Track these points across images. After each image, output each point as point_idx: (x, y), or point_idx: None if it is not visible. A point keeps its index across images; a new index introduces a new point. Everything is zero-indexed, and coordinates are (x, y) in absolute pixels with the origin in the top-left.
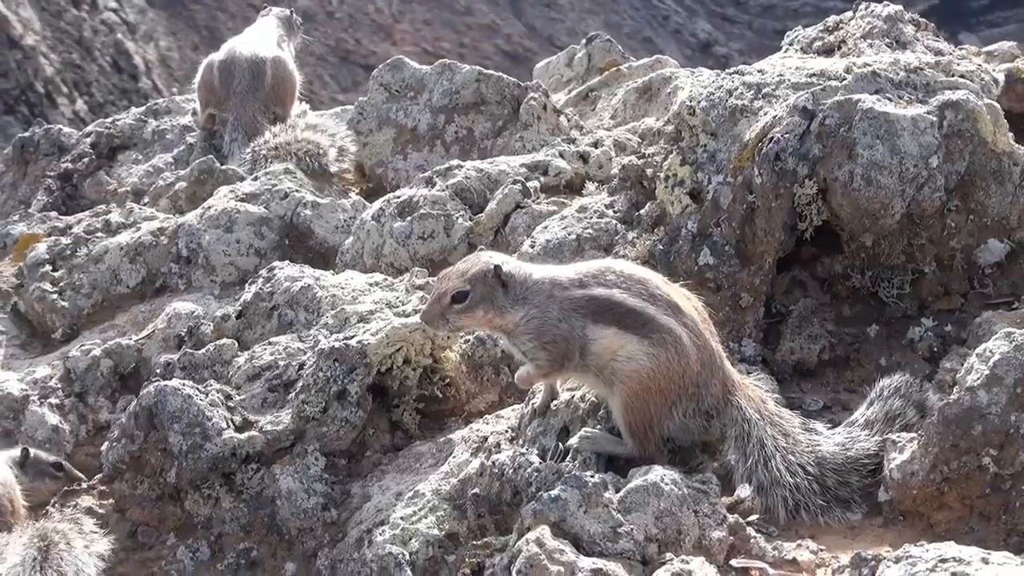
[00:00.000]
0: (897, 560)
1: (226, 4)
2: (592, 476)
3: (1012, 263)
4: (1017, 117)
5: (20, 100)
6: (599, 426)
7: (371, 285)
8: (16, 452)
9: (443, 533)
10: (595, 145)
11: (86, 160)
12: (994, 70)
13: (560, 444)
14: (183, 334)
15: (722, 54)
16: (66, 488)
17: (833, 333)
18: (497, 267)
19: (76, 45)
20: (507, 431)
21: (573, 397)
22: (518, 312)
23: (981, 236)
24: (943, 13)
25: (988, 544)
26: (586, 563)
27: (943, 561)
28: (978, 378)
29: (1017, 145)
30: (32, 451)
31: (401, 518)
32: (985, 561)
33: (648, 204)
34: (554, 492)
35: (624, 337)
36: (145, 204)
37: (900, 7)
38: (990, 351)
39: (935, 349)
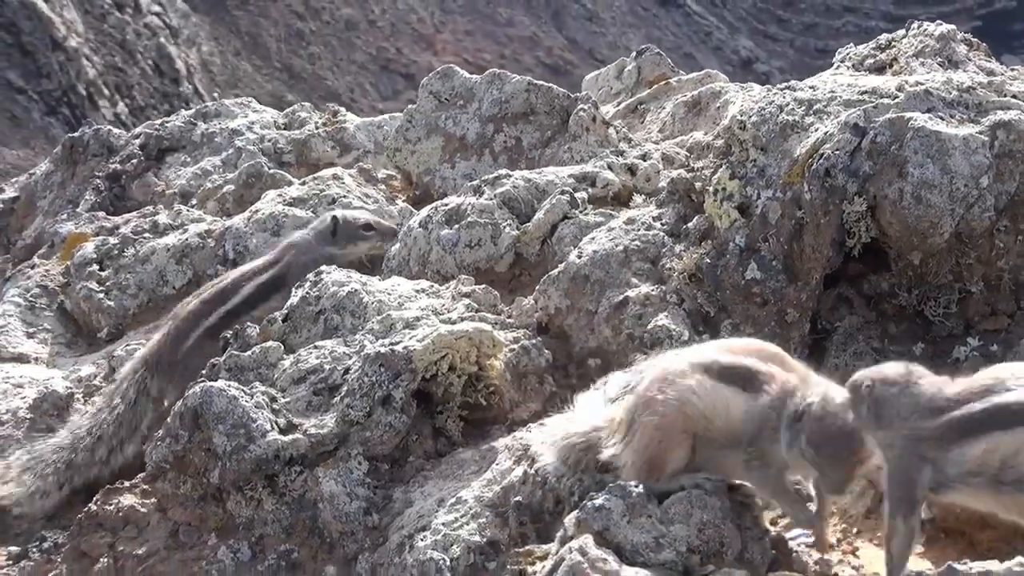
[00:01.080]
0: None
1: (268, 11)
2: (636, 486)
3: None
4: None
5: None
6: None
7: (417, 292)
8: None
9: (484, 540)
10: (643, 158)
11: (135, 161)
12: None
13: None
14: (228, 336)
15: (763, 71)
16: (108, 486)
17: (879, 351)
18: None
19: (119, 48)
20: None
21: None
22: None
23: None
24: (985, 34)
25: None
26: (628, 572)
27: None
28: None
29: None
30: (340, 216)
31: (443, 524)
32: None
33: (696, 217)
34: (598, 501)
35: None
36: (193, 206)
37: (953, 27)
38: None
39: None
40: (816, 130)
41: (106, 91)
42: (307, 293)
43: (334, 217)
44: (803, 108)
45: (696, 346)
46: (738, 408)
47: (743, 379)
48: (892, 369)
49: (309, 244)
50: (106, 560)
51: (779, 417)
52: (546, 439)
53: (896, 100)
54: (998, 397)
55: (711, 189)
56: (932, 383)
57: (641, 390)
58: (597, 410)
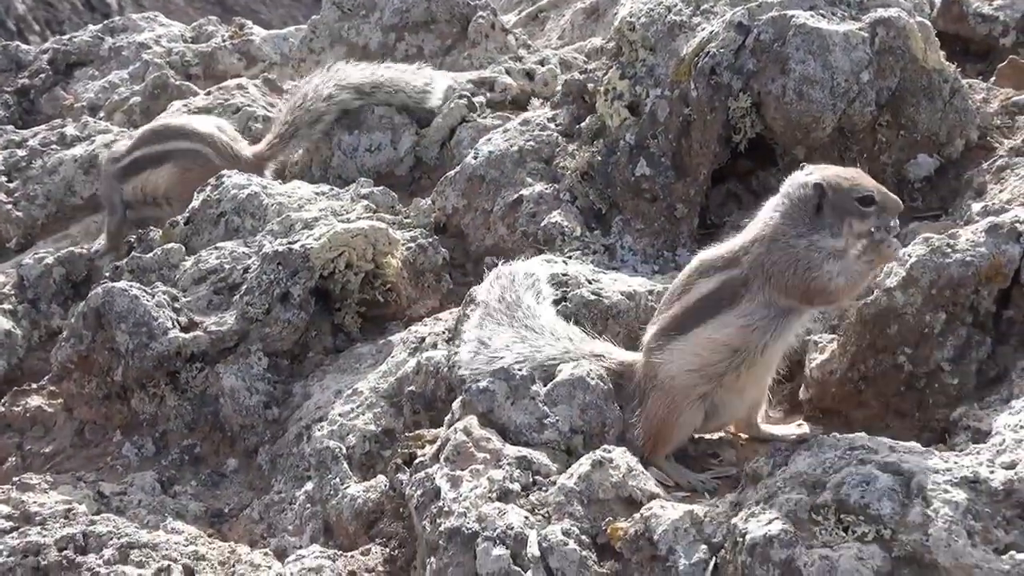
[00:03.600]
0: (809, 448)
1: None
2: (520, 369)
3: (940, 178)
4: (951, 39)
5: None
6: None
7: (317, 194)
8: None
9: (380, 429)
10: (541, 63)
11: (43, 76)
12: None
13: None
14: (132, 240)
15: None
16: (15, 388)
17: None
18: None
19: None
20: (444, 332)
21: None
22: None
23: (911, 151)
24: None
25: (902, 439)
26: (511, 451)
27: (852, 449)
28: (895, 280)
29: (947, 63)
30: None
31: (339, 415)
32: (892, 449)
33: (588, 117)
34: (482, 384)
35: None
36: (100, 118)
37: None
38: (908, 254)
39: None
40: (702, 29)
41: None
42: (208, 196)
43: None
44: (690, 8)
45: None
46: None
47: None
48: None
49: None
50: (14, 459)
51: None
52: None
53: None
54: None
55: (602, 89)
56: None
57: None
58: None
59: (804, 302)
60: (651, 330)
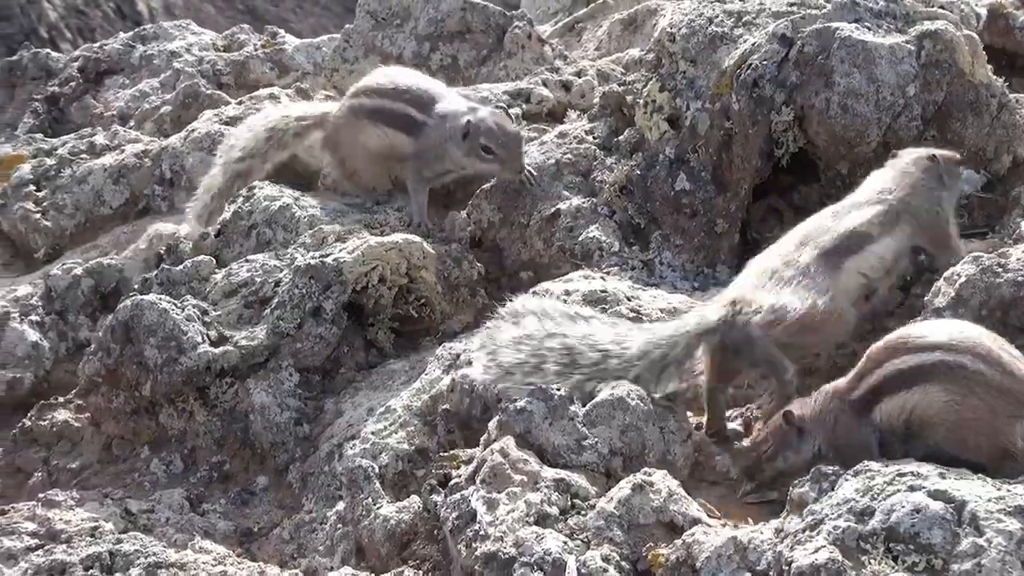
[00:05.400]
0: (856, 474)
1: None
2: (558, 389)
3: (988, 194)
4: (998, 53)
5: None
6: None
7: (349, 206)
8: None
9: (413, 448)
10: (578, 75)
11: (73, 84)
12: (976, 4)
13: None
14: (162, 252)
15: None
16: (42, 402)
17: None
18: (787, 412)
19: None
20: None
21: None
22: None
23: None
24: None
25: (952, 465)
26: (549, 473)
27: (901, 475)
28: (945, 300)
29: (995, 77)
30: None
31: (372, 433)
32: (942, 476)
33: (627, 130)
34: (520, 404)
35: None
36: (130, 127)
37: None
38: (957, 274)
39: (908, 277)
40: (745, 41)
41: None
42: (239, 208)
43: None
44: (732, 20)
45: None
46: None
47: None
48: None
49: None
50: (40, 475)
51: None
52: None
53: (823, 11)
54: None
55: (641, 102)
56: None
57: None
58: None
59: None
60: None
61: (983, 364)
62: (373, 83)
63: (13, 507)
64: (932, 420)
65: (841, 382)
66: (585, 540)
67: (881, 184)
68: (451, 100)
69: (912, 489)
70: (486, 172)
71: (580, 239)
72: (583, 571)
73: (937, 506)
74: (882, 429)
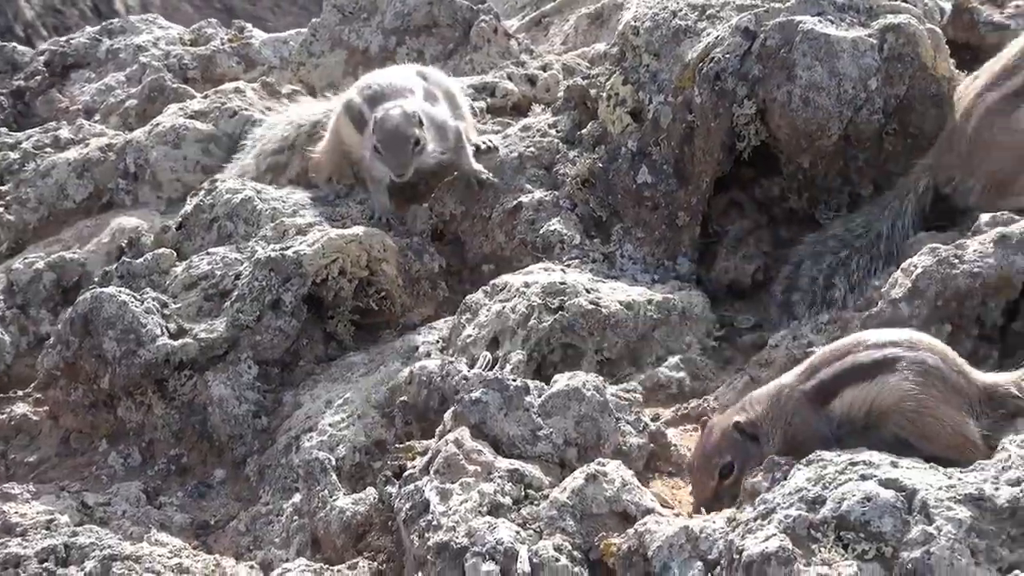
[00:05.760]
0: (808, 463)
1: None
2: (514, 380)
3: None
4: (962, 48)
5: None
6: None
7: (313, 200)
8: None
9: (370, 440)
10: (544, 69)
11: (39, 78)
12: None
13: (489, 353)
14: (124, 245)
15: None
16: (1, 395)
17: (768, 254)
18: (736, 423)
19: None
20: (438, 341)
21: (504, 308)
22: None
23: (918, 159)
24: None
25: (905, 454)
26: (503, 463)
27: (853, 464)
28: (901, 291)
29: (957, 71)
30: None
31: (329, 425)
32: (894, 465)
33: (590, 124)
34: (475, 394)
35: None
36: (96, 121)
37: None
38: (914, 265)
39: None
40: (708, 35)
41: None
42: (201, 201)
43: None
44: (696, 13)
45: None
46: None
47: None
48: None
49: None
50: None
51: None
52: None
53: (786, 4)
54: None
55: (605, 95)
56: None
57: None
58: None
59: None
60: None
61: (941, 362)
62: (364, 79)
63: None
64: (892, 409)
65: (787, 378)
66: (538, 530)
67: None
68: (400, 99)
69: (864, 478)
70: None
71: (541, 232)
72: (535, 561)
73: (888, 494)
74: (840, 420)
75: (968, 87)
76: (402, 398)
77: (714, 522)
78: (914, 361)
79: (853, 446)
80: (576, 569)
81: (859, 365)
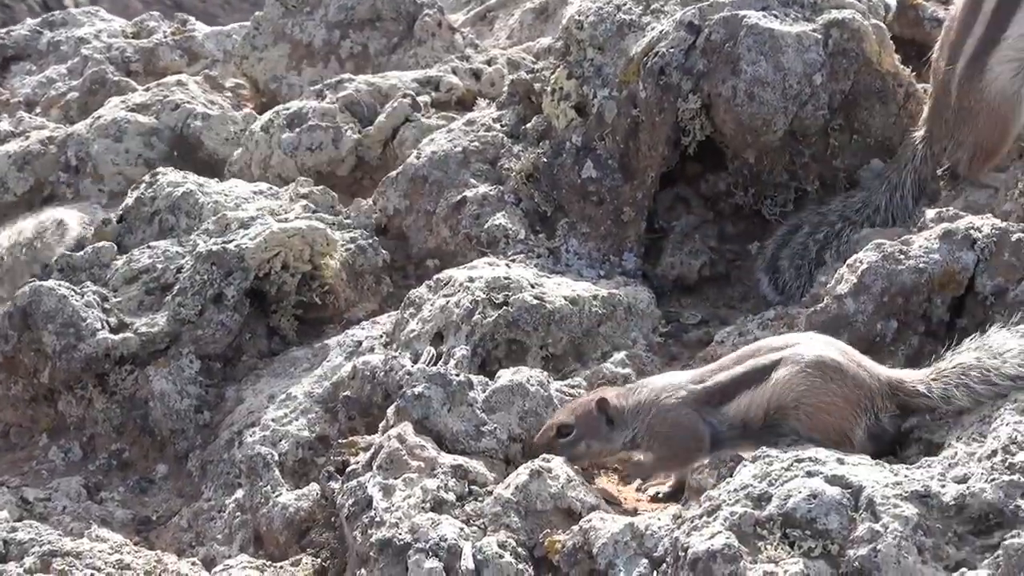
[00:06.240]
0: (754, 459)
1: None
2: (457, 375)
3: None
4: (907, 43)
5: None
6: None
7: (255, 193)
8: None
9: (314, 435)
10: (488, 63)
11: None
12: None
13: (433, 348)
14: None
15: None
16: None
17: (715, 249)
18: (601, 400)
19: None
20: (382, 336)
21: (448, 303)
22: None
23: (864, 156)
24: None
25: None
26: (447, 460)
27: (799, 461)
28: (846, 287)
29: (902, 67)
30: None
31: (272, 420)
32: (840, 462)
33: (535, 118)
34: (417, 389)
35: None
36: (36, 114)
37: None
38: (860, 261)
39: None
40: (652, 29)
41: None
42: (142, 194)
43: None
44: (640, 7)
45: None
46: None
47: None
48: None
49: None
50: None
51: None
52: None
53: None
54: None
55: (549, 89)
56: None
57: None
58: None
59: None
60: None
61: (841, 357)
62: None
63: None
64: (790, 405)
65: (682, 376)
66: (482, 526)
67: None
68: None
69: (810, 475)
70: None
71: (486, 227)
72: (479, 557)
73: (834, 491)
74: (731, 423)
75: (938, 55)
76: (345, 393)
77: (659, 519)
78: (812, 357)
79: (740, 445)
80: (520, 566)
81: (757, 368)
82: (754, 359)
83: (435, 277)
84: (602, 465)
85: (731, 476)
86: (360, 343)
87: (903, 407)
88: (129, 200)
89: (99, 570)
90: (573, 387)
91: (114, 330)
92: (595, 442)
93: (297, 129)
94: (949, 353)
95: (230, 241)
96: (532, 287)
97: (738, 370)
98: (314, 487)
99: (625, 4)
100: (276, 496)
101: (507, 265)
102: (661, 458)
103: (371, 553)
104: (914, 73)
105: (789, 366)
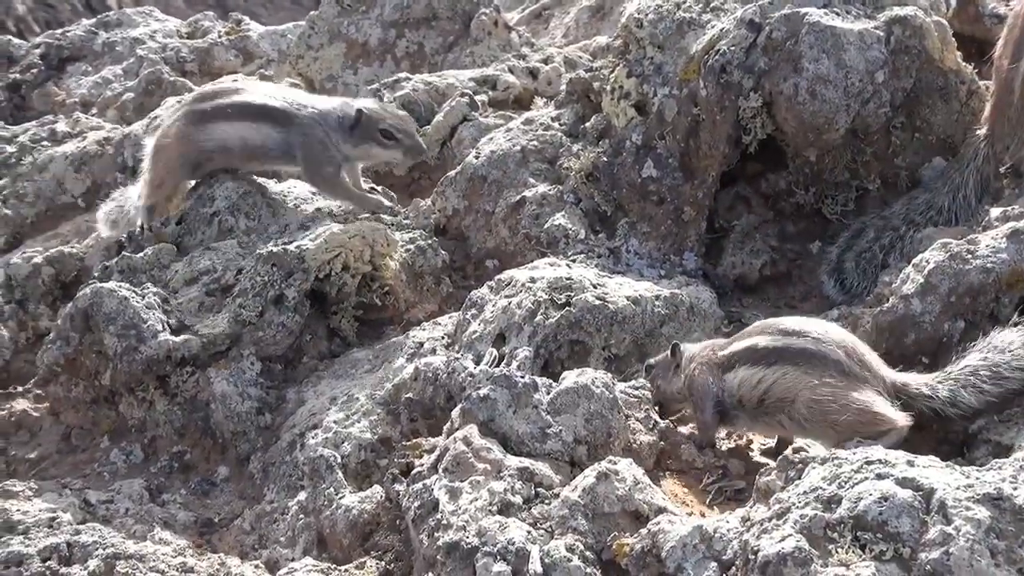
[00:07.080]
0: (823, 462)
1: None
2: (522, 377)
3: None
4: (967, 40)
5: None
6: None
7: (314, 194)
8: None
9: (376, 437)
10: (545, 62)
11: (35, 71)
12: None
13: (495, 350)
14: (123, 240)
15: None
16: (1, 391)
17: (776, 249)
18: (675, 345)
19: None
20: (443, 337)
21: (510, 303)
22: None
23: (926, 154)
24: None
25: (921, 451)
26: (513, 462)
27: (869, 463)
28: (913, 287)
29: (964, 64)
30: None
31: (334, 422)
32: (910, 464)
33: (594, 117)
34: (483, 391)
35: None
36: (93, 115)
37: None
38: (926, 260)
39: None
40: (712, 27)
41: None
42: (202, 195)
43: (359, 110)
44: (700, 5)
45: None
46: None
47: None
48: None
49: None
50: None
51: None
52: None
53: None
54: None
55: (608, 88)
56: None
57: None
58: None
59: None
60: None
61: (844, 356)
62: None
63: None
64: (787, 400)
65: (720, 340)
66: (549, 530)
67: None
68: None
69: (880, 477)
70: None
71: (546, 227)
72: (547, 561)
73: (905, 494)
74: (730, 392)
75: (1000, 53)
76: (407, 395)
77: (728, 521)
78: (816, 352)
79: (743, 423)
80: (589, 569)
81: (753, 347)
82: (758, 337)
83: (496, 278)
84: (667, 466)
85: (799, 478)
86: (421, 344)
87: (906, 409)
88: (189, 201)
89: (163, 573)
90: (637, 388)
91: (175, 332)
92: (663, 383)
93: None
94: (955, 358)
95: (291, 242)
96: (594, 287)
97: (741, 344)
98: (377, 489)
99: (685, 2)
100: (339, 498)
101: (568, 265)
102: (693, 412)
103: (438, 557)
104: (976, 71)
105: (790, 365)
